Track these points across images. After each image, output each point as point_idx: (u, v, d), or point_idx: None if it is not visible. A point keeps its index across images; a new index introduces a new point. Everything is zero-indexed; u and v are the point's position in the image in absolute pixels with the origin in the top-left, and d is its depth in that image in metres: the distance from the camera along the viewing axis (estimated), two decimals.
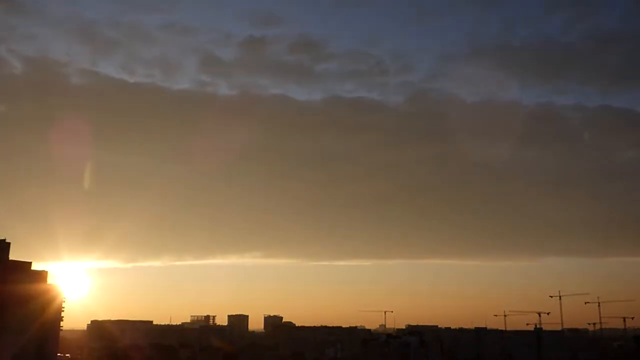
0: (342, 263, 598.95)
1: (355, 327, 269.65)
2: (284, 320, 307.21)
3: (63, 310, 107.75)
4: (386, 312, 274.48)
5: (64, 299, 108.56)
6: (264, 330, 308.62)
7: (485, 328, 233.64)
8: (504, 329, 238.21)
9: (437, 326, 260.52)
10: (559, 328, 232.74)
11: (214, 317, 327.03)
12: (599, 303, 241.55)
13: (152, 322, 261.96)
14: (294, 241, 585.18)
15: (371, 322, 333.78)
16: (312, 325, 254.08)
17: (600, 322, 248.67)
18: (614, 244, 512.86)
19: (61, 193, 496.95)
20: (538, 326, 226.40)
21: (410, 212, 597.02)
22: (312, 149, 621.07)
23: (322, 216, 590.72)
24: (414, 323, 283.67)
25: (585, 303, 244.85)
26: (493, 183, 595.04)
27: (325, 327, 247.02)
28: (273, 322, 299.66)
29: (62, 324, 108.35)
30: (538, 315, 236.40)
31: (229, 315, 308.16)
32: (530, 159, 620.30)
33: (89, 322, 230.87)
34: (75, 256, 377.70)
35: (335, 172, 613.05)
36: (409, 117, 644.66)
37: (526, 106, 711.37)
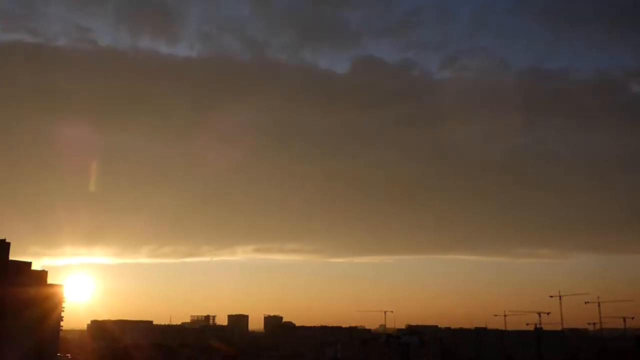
0: (341, 260, 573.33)
1: (355, 327, 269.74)
2: (284, 320, 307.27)
3: (63, 311, 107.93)
4: (386, 312, 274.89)
5: (64, 299, 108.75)
6: (264, 330, 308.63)
7: (485, 328, 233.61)
8: (504, 329, 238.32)
9: (437, 326, 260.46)
10: (559, 328, 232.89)
11: (214, 317, 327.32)
12: (599, 303, 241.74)
13: (152, 322, 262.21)
14: (290, 238, 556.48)
15: (371, 322, 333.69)
16: (312, 325, 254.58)
17: (600, 322, 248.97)
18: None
19: (59, 185, 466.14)
20: (538, 326, 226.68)
21: (415, 205, 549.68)
22: (329, 127, 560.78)
23: (320, 211, 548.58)
24: (414, 323, 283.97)
25: (585, 303, 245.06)
26: (510, 173, 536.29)
27: (325, 327, 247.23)
28: (273, 322, 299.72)
29: (62, 324, 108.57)
30: (538, 315, 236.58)
31: (229, 315, 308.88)
32: (564, 141, 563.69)
33: (89, 322, 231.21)
34: (73, 251, 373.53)
35: (344, 159, 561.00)
36: (441, 88, 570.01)
37: (580, 73, 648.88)
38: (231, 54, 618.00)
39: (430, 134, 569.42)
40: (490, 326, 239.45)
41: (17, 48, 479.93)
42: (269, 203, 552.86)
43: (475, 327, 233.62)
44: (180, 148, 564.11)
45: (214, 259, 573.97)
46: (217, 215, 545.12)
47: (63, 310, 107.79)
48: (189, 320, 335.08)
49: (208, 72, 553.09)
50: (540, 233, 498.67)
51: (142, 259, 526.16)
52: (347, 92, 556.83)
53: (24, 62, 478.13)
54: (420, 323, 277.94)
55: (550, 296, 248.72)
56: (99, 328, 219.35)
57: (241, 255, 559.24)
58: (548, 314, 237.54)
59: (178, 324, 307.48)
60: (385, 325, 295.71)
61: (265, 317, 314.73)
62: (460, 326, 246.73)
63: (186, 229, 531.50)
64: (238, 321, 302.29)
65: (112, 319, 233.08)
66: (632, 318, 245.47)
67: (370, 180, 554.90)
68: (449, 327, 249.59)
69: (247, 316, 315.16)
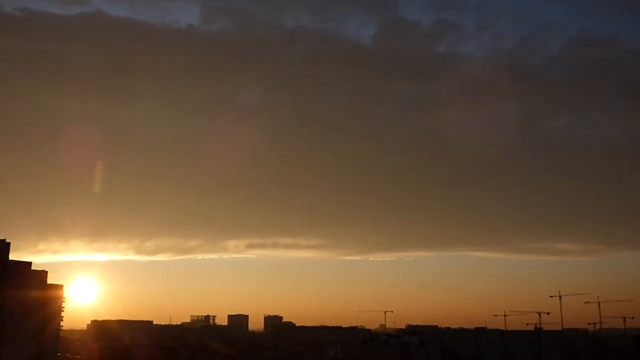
0: (357, 258, 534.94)
1: (355, 327, 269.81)
2: (284, 320, 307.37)
3: (63, 310, 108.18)
4: (386, 312, 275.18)
5: (64, 299, 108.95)
6: (264, 330, 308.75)
7: (485, 328, 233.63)
8: (504, 328, 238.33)
9: (437, 326, 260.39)
10: (559, 328, 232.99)
11: (214, 317, 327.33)
12: (599, 303, 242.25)
13: (152, 322, 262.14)
14: (288, 232, 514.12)
15: (371, 322, 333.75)
16: (312, 325, 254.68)
17: (600, 322, 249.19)
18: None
19: (54, 177, 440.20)
20: (538, 326, 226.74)
21: (428, 196, 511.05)
22: (348, 106, 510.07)
23: (326, 202, 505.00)
24: (414, 323, 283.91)
25: (585, 303, 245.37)
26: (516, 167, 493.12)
27: (325, 327, 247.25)
28: (273, 322, 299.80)
29: (62, 323, 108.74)
30: (538, 315, 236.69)
31: (229, 315, 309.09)
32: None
33: (89, 322, 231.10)
34: (73, 247, 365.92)
35: (363, 143, 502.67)
36: (474, 60, 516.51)
37: (631, 41, 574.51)
38: (244, 16, 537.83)
39: (454, 115, 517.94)
40: (490, 326, 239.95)
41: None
42: (277, 194, 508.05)
43: (475, 327, 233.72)
44: (185, 127, 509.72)
45: (224, 256, 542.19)
46: (226, 208, 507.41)
47: (63, 310, 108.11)
48: (189, 320, 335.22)
49: (215, 41, 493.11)
50: (562, 227, 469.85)
51: (144, 256, 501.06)
52: (371, 63, 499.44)
53: (7, 29, 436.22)
54: (420, 323, 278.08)
55: (550, 296, 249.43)
56: (99, 328, 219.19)
57: (251, 252, 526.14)
58: (548, 314, 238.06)
59: (178, 324, 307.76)
60: (385, 325, 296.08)
61: (265, 317, 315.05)
62: (460, 326, 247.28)
63: (188, 224, 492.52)
64: (238, 321, 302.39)
65: (112, 318, 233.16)
66: (632, 318, 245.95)
67: (385, 167, 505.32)
68: (449, 327, 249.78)
69: (247, 316, 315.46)
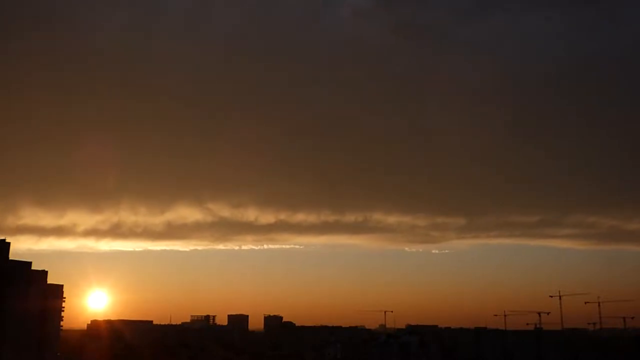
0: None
1: (355, 327, 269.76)
2: (284, 320, 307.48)
3: (63, 310, 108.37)
4: (386, 312, 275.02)
5: (64, 299, 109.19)
6: (264, 330, 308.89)
7: (485, 328, 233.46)
8: (504, 328, 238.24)
9: (437, 326, 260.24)
10: (559, 328, 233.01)
11: (214, 317, 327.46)
12: (599, 303, 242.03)
13: (152, 321, 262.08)
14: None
15: (371, 322, 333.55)
16: (312, 325, 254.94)
17: (600, 322, 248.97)
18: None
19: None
20: (538, 326, 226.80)
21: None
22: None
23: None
24: (414, 323, 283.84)
25: (585, 303, 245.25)
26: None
27: (325, 327, 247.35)
28: (273, 322, 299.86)
29: (62, 323, 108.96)
30: (538, 315, 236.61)
31: (229, 315, 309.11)
32: None
33: (89, 322, 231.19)
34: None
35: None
36: None
37: None
38: None
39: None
40: (490, 326, 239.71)
41: None
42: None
43: (475, 327, 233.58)
44: None
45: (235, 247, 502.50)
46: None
47: (63, 310, 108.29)
48: (189, 320, 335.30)
49: None
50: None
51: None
52: None
53: None
54: (420, 323, 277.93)
55: (550, 296, 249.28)
56: (98, 328, 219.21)
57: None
58: (548, 313, 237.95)
59: (178, 323, 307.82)
60: (385, 325, 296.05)
61: (265, 317, 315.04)
62: (460, 326, 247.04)
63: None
64: (238, 321, 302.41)
65: (113, 318, 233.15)
66: (632, 318, 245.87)
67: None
68: (449, 327, 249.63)
69: (247, 316, 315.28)
